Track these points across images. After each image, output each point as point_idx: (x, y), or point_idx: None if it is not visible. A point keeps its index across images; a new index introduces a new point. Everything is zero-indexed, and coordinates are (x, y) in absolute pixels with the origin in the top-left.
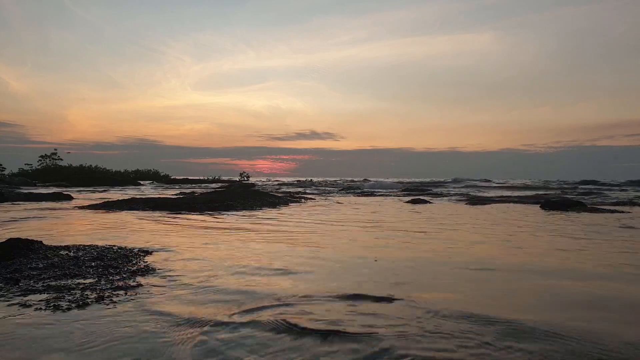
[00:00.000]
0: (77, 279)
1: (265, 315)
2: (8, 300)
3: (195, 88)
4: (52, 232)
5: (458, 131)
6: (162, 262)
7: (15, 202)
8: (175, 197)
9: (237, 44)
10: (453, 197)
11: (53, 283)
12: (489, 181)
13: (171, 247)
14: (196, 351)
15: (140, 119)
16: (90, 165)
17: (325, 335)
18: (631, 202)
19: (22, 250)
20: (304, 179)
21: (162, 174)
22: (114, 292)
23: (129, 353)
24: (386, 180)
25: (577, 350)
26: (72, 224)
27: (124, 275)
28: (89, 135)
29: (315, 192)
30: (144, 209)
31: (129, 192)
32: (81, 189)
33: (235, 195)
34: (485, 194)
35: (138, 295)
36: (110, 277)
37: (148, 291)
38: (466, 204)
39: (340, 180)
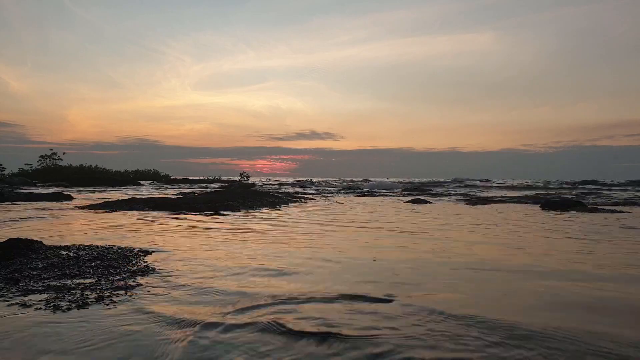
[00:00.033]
0: (77, 279)
1: (263, 317)
2: (8, 300)
3: (195, 88)
4: (52, 232)
5: (458, 131)
6: (162, 262)
7: (15, 202)
8: (175, 197)
9: (237, 44)
10: (453, 197)
11: (53, 283)
12: (489, 181)
13: (171, 247)
14: (196, 351)
15: (140, 119)
16: (90, 165)
17: (325, 337)
18: (631, 202)
19: (22, 250)
20: (304, 179)
21: (162, 174)
22: (114, 292)
23: (129, 353)
24: (386, 180)
25: (577, 350)
26: (72, 224)
27: (124, 275)
28: (89, 135)
29: (315, 192)
30: (144, 209)
31: (129, 192)
32: (81, 189)
33: (235, 195)
34: (485, 194)
35: (138, 295)
36: (110, 277)
37: (148, 291)
38: (466, 204)
39: (340, 180)
